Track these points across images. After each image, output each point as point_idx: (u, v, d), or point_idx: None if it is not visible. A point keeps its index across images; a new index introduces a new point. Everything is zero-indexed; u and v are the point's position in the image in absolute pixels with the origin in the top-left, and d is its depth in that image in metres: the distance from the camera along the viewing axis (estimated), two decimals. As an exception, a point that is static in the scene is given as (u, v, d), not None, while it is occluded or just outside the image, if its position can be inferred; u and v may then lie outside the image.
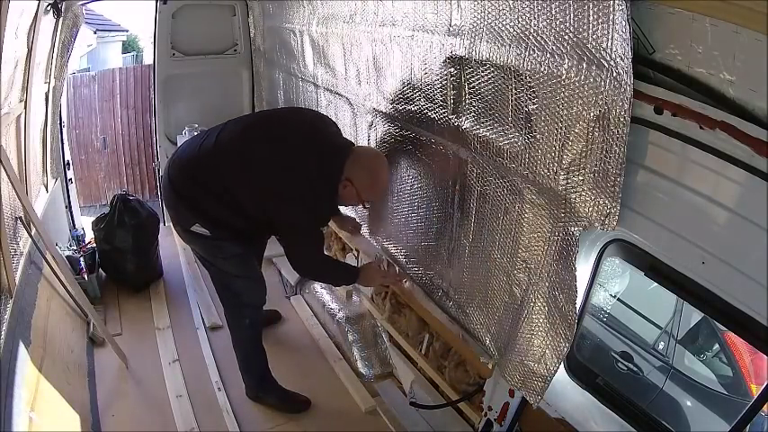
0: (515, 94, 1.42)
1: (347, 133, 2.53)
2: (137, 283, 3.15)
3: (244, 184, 1.93)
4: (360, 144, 2.45)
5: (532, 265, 1.53)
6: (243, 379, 2.37)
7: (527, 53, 1.33)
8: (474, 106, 1.60)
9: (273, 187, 1.90)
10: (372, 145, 2.34)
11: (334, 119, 2.62)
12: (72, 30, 3.03)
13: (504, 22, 1.38)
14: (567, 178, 1.32)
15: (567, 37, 1.20)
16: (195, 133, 3.25)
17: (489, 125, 1.56)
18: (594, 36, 1.13)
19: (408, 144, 2.05)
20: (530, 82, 1.36)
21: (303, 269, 2.19)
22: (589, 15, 1.13)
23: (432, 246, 2.05)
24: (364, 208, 2.23)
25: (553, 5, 1.21)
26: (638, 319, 3.19)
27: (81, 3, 2.99)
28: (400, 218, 2.24)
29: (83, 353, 2.52)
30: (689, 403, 2.83)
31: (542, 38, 1.27)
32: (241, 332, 2.29)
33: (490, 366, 1.81)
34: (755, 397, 1.27)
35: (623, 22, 1.06)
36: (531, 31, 1.30)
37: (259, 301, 2.30)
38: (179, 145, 2.33)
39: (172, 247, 3.44)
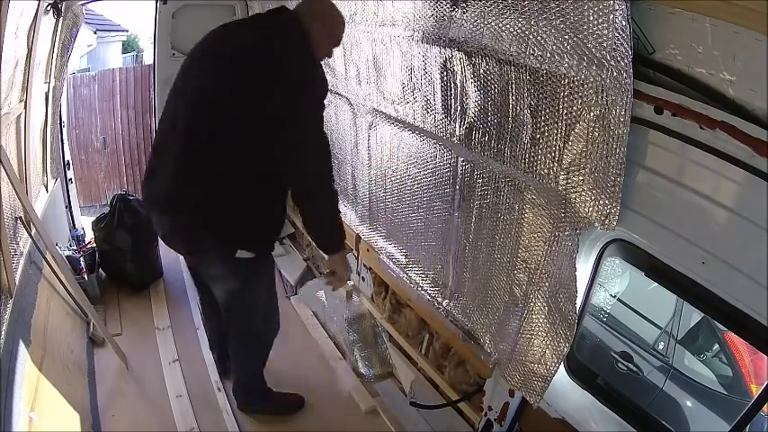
0: (515, 93, 1.42)
1: (348, 133, 2.53)
2: (137, 283, 3.15)
3: (234, 133, 1.62)
4: (360, 144, 2.45)
5: (532, 265, 1.53)
6: (236, 394, 2.31)
7: (527, 53, 1.33)
8: (474, 106, 1.60)
9: (263, 99, 1.58)
10: (373, 146, 2.33)
11: (334, 119, 2.63)
12: (72, 30, 3.02)
13: (504, 22, 1.38)
14: (567, 178, 1.32)
15: (566, 37, 1.20)
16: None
17: (489, 125, 1.56)
18: (594, 36, 1.13)
19: (408, 144, 2.05)
20: (530, 82, 1.36)
21: (320, 176, 1.74)
22: (589, 15, 1.12)
23: (432, 246, 2.05)
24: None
25: (553, 5, 1.21)
26: (638, 319, 3.19)
27: (81, 3, 2.99)
28: (400, 218, 2.24)
29: (83, 353, 2.51)
30: (689, 403, 2.83)
31: (542, 38, 1.27)
32: (252, 362, 2.21)
33: (490, 366, 1.82)
34: (755, 397, 1.27)
35: (623, 22, 1.06)
36: (531, 31, 1.30)
37: (274, 336, 2.21)
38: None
39: (172, 246, 3.43)
